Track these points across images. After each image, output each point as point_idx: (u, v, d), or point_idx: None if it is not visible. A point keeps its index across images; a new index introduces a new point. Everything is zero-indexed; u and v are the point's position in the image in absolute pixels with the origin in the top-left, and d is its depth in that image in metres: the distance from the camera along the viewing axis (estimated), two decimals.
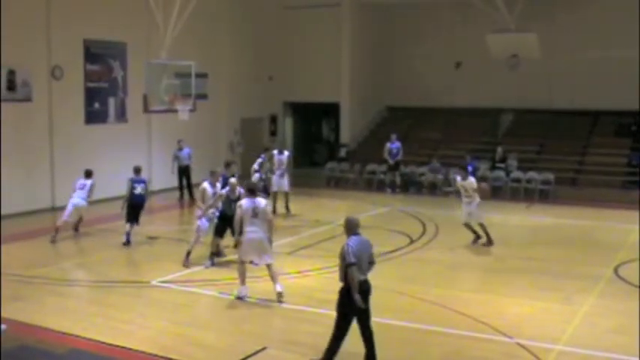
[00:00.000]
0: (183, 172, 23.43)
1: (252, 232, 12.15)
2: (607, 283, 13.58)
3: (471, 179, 16.91)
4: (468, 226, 16.89)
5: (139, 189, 16.74)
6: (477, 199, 16.62)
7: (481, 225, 16.69)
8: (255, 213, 12.17)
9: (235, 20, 27.84)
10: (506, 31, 23.69)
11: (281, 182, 20.83)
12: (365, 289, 9.20)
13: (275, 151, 21.22)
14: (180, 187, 23.49)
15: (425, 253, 16.39)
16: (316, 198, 23.80)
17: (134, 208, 16.75)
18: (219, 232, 14.73)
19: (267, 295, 12.30)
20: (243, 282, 12.42)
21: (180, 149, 23.11)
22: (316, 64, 29.88)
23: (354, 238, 9.30)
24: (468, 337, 10.65)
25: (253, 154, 23.19)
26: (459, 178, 17.05)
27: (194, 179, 22.60)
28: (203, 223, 14.84)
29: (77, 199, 17.30)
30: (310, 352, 9.83)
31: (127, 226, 16.68)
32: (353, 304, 9.07)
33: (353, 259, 9.01)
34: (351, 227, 9.43)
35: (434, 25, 29.36)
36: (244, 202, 12.33)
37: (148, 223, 18.91)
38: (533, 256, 15.79)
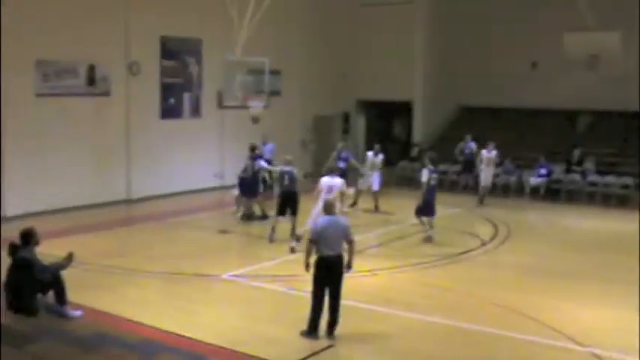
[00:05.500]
0: None
1: None
2: None
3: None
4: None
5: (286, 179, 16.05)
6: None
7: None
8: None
9: (309, 17, 27.89)
10: (585, 29, 22.90)
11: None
12: (331, 263, 10.15)
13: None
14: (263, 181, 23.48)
15: (496, 255, 16.18)
16: (387, 197, 23.64)
17: (283, 200, 16.01)
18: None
19: None
20: None
21: (264, 144, 23.05)
22: (389, 62, 29.63)
23: (325, 218, 10.46)
24: (538, 343, 10.45)
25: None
26: None
27: None
28: None
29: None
30: (378, 352, 9.78)
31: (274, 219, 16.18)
32: (322, 275, 10.14)
33: (313, 236, 10.30)
34: (325, 208, 10.70)
35: (508, 23, 28.79)
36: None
37: (219, 217, 19.17)
38: (605, 263, 15.39)
